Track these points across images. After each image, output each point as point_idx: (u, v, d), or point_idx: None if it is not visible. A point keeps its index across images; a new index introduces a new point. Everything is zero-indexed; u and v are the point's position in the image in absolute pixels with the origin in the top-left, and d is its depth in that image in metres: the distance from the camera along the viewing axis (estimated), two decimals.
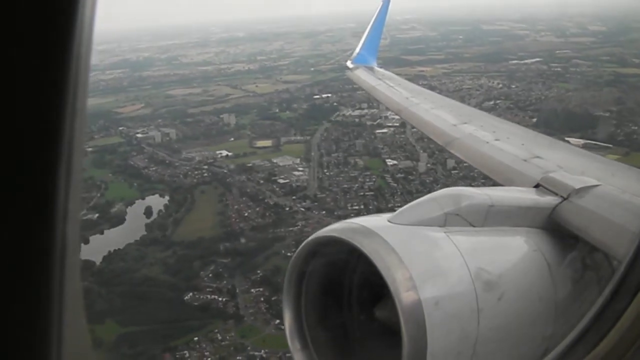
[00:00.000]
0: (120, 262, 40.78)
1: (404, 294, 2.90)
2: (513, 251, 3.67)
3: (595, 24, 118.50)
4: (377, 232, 3.15)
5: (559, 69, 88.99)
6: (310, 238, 3.34)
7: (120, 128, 69.63)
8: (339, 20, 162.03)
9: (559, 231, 3.84)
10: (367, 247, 3.05)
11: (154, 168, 57.56)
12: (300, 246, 3.36)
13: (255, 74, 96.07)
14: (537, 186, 4.49)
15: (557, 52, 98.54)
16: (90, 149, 62.96)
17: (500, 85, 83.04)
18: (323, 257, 3.42)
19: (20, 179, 0.98)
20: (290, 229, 44.05)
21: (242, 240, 42.93)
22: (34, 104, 0.97)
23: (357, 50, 14.86)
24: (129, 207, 50.11)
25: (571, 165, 5.09)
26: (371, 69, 13.64)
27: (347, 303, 3.57)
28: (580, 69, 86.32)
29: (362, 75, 13.43)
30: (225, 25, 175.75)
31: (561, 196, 4.12)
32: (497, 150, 6.22)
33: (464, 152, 6.90)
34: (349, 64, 14.57)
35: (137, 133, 67.24)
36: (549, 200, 4.09)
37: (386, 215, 3.40)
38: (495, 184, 5.39)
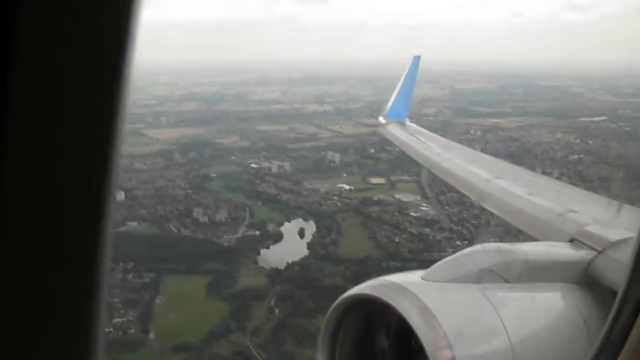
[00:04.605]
0: (303, 271, 50.69)
1: (438, 353, 3.09)
2: (549, 308, 3.87)
3: None
4: (411, 289, 3.36)
5: (627, 128, 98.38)
6: (344, 295, 3.64)
7: (232, 157, 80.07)
8: (385, 66, 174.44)
9: (595, 286, 3.97)
10: (401, 305, 3.25)
11: (285, 196, 67.80)
12: (335, 303, 3.69)
13: (334, 116, 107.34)
14: (572, 240, 4.69)
15: (620, 111, 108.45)
16: (213, 175, 73.52)
17: (578, 141, 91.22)
18: (357, 314, 3.69)
19: (69, 184, 1.17)
20: (443, 253, 53.61)
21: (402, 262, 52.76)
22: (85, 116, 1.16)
23: (389, 105, 15.61)
24: (280, 227, 60.37)
25: (607, 218, 5.34)
26: (403, 124, 14.50)
27: None
28: None
29: (394, 131, 14.25)
30: (280, 64, 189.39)
31: (597, 250, 4.29)
32: (531, 204, 6.62)
33: (498, 207, 7.30)
34: (381, 119, 15.49)
35: (251, 163, 77.68)
36: (584, 254, 4.27)
37: (419, 272, 3.75)
38: (529, 238, 5.78)
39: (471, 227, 60.69)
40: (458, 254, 4.14)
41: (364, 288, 3.68)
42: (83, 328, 1.29)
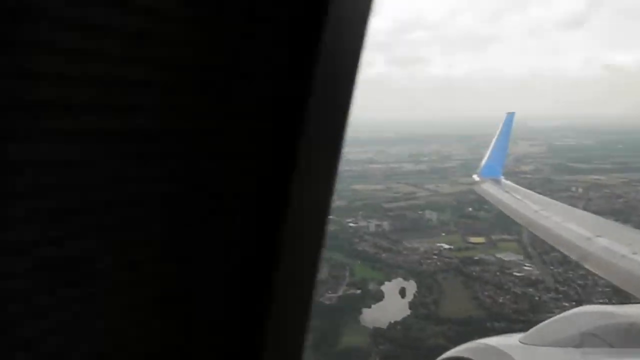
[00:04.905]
0: (406, 331, 50.91)
1: None
2: None
3: None
4: (510, 353, 3.34)
5: None
6: (441, 357, 3.64)
7: (330, 216, 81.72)
8: (480, 124, 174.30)
9: None
10: None
11: (384, 255, 68.50)
12: None
13: (429, 174, 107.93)
14: None
15: None
16: None
17: None
18: None
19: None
20: (549, 314, 52.54)
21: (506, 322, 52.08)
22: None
23: (484, 163, 15.84)
24: (381, 286, 60.93)
25: None
26: (498, 182, 14.62)
27: None
28: None
29: (489, 189, 14.42)
30: (373, 124, 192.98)
31: None
32: (637, 264, 6.30)
33: (601, 266, 7.23)
34: (475, 177, 15.76)
35: (349, 222, 79.01)
36: None
37: (517, 335, 3.75)
38: (635, 300, 5.52)
39: (578, 288, 59.20)
40: (559, 316, 4.13)
41: (462, 351, 3.75)
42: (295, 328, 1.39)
